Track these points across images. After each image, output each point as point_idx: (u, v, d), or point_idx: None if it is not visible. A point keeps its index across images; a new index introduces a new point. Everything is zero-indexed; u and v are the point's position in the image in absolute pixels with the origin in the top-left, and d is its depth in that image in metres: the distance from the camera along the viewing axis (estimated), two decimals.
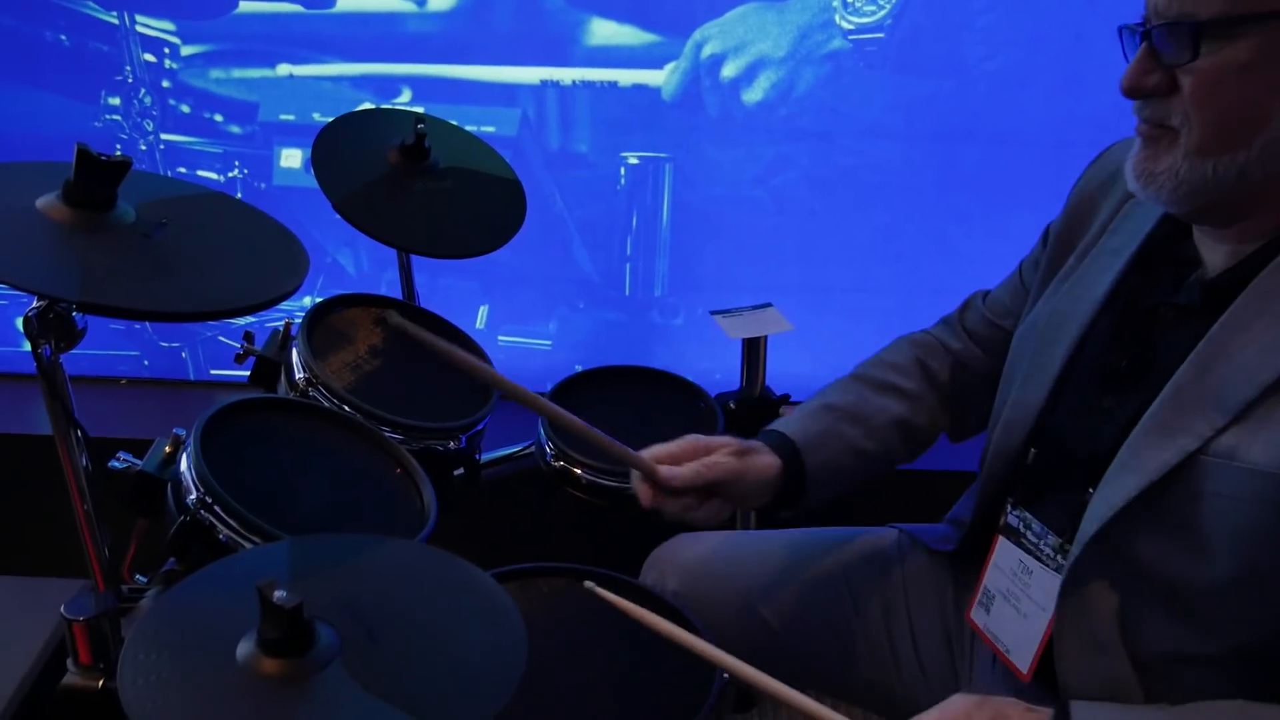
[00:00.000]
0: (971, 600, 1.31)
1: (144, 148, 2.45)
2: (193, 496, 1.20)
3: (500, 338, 2.58)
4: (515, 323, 2.58)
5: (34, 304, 1.19)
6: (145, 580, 1.35)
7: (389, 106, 2.34)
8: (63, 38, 2.36)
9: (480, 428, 1.61)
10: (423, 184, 1.70)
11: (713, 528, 1.32)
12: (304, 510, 1.28)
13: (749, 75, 2.31)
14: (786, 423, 1.38)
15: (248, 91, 2.41)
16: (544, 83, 2.36)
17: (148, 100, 2.41)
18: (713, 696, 1.16)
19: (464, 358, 1.28)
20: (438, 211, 1.69)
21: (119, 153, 1.19)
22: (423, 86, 2.38)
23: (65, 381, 1.24)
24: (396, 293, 1.86)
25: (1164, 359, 1.11)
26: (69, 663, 1.25)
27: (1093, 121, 2.18)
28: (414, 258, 1.86)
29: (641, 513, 1.62)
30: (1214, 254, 1.12)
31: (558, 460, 1.63)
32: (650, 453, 1.28)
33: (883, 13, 2.23)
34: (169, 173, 2.47)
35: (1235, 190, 1.05)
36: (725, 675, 1.19)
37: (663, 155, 2.41)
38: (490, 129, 2.38)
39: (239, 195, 2.45)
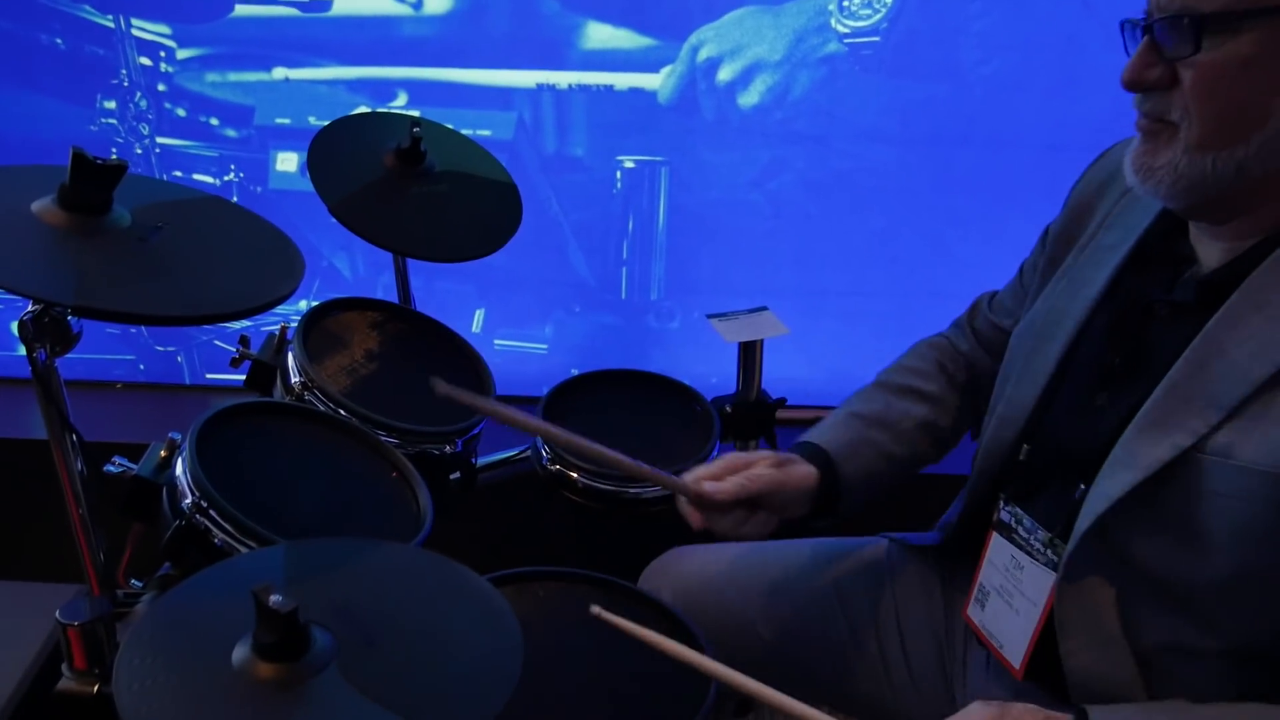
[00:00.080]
0: (968, 598, 1.32)
1: (139, 151, 2.44)
2: (188, 501, 1.20)
3: (496, 341, 2.58)
4: (511, 326, 2.58)
5: (29, 308, 1.18)
6: (140, 585, 1.35)
7: (385, 110, 2.34)
8: (58, 41, 2.36)
9: (476, 432, 1.61)
10: (418, 188, 1.70)
11: (764, 538, 1.34)
12: (299, 514, 1.28)
13: (745, 79, 2.31)
14: (816, 433, 1.40)
15: (243, 95, 2.41)
16: (540, 86, 2.36)
17: (143, 104, 2.41)
18: (709, 700, 1.16)
19: (523, 419, 1.29)
20: (434, 215, 1.70)
21: (114, 156, 1.18)
22: (418, 90, 2.38)
23: (60, 386, 1.24)
24: (392, 296, 1.86)
25: (1159, 356, 1.11)
26: (64, 668, 1.25)
27: (1088, 125, 2.18)
28: (410, 261, 1.86)
29: (638, 516, 1.63)
30: (1210, 251, 1.13)
31: (554, 464, 1.63)
32: (692, 475, 1.30)
33: (878, 17, 2.24)
34: (164, 176, 2.46)
35: (1233, 186, 1.05)
36: None
37: (659, 159, 2.41)
38: (486, 133, 2.38)
39: (235, 199, 2.45)
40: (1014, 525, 1.24)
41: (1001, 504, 1.26)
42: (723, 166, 2.39)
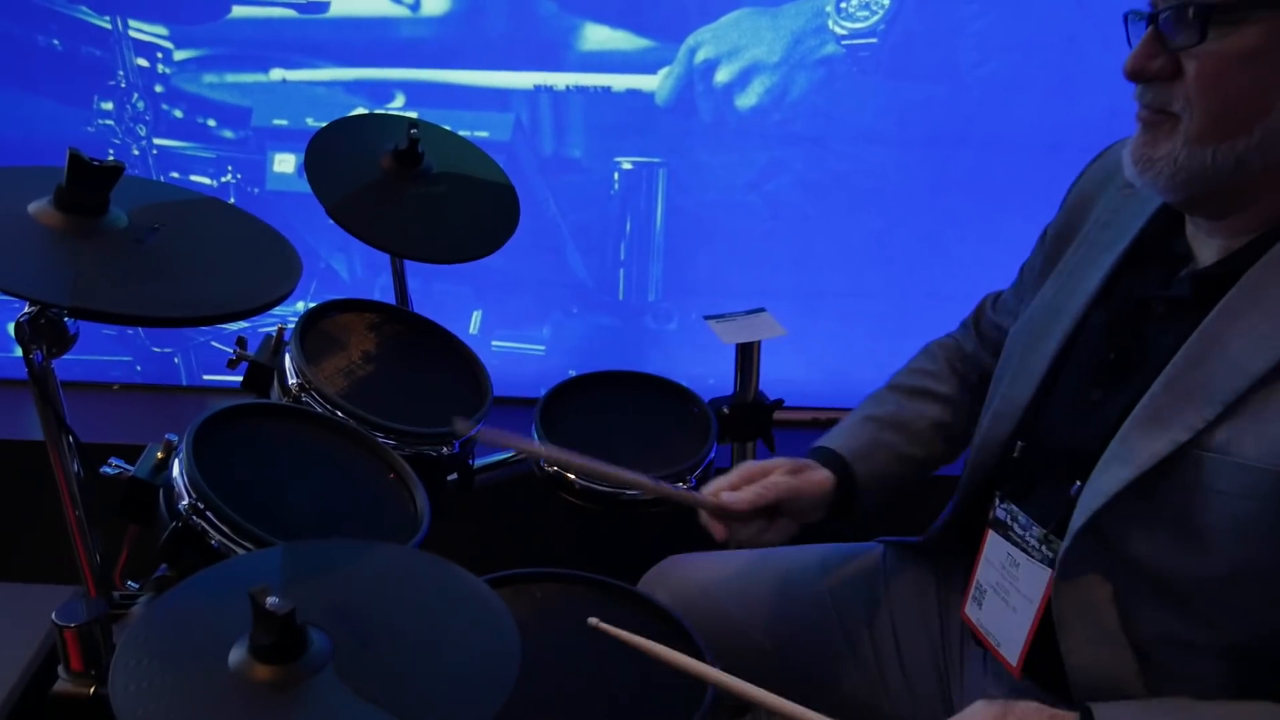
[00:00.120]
0: (965, 597, 1.32)
1: (136, 153, 2.44)
2: (185, 502, 1.20)
3: (494, 343, 2.58)
4: (509, 328, 2.58)
5: (25, 309, 1.18)
6: (137, 586, 1.35)
7: (382, 111, 2.34)
8: (55, 42, 2.36)
9: (473, 434, 1.60)
10: (416, 189, 1.70)
11: (785, 543, 1.37)
12: (296, 516, 1.28)
13: (742, 80, 2.31)
14: (831, 438, 1.43)
15: (241, 96, 2.40)
16: (537, 88, 2.36)
17: (140, 105, 2.41)
18: (706, 702, 1.16)
19: (553, 452, 1.30)
20: (431, 216, 1.69)
21: (111, 158, 1.18)
22: (416, 91, 2.37)
23: (57, 387, 1.23)
24: (390, 297, 1.85)
25: (1155, 352, 1.11)
26: (60, 669, 1.25)
27: (1085, 126, 2.18)
28: (407, 263, 1.86)
29: (635, 518, 1.63)
30: (1206, 249, 1.13)
31: (551, 466, 1.63)
32: (710, 488, 1.32)
33: (876, 18, 2.24)
34: (162, 178, 2.46)
35: (1232, 179, 1.05)
36: None
37: (656, 160, 2.41)
38: (484, 134, 2.38)
39: (232, 200, 2.45)
40: (1010, 522, 1.24)
41: (997, 501, 1.26)
42: (720, 168, 2.40)
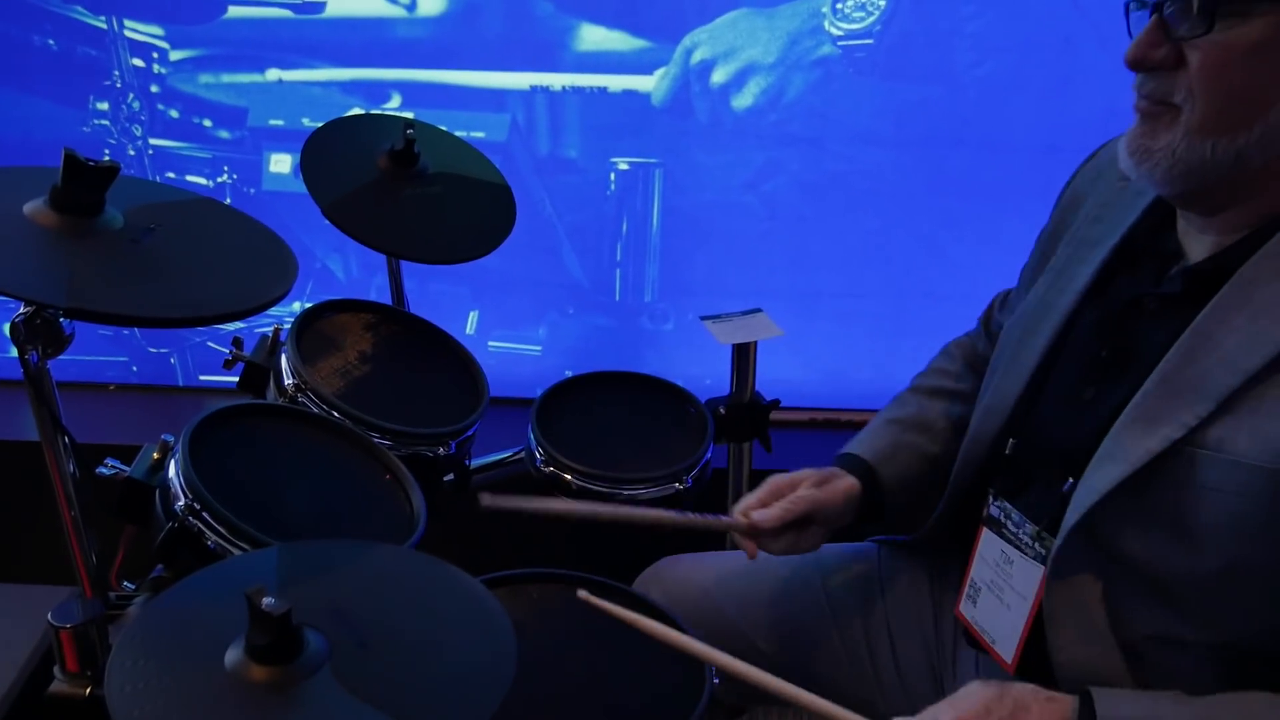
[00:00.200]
0: (959, 595, 1.32)
1: (132, 153, 2.44)
2: (181, 503, 1.20)
3: (490, 343, 2.58)
4: (505, 328, 2.58)
5: (21, 310, 1.18)
6: (133, 587, 1.35)
7: (378, 112, 2.34)
8: (51, 42, 2.36)
9: (470, 434, 1.60)
10: (412, 189, 1.70)
11: (816, 549, 1.40)
12: (293, 516, 1.27)
13: (739, 81, 2.31)
14: (856, 444, 1.46)
15: (237, 96, 2.40)
16: (534, 88, 2.36)
17: (136, 105, 2.40)
18: (702, 703, 1.16)
19: (583, 508, 1.33)
20: (427, 217, 1.69)
21: (107, 158, 1.18)
22: (412, 92, 2.37)
23: (52, 387, 1.23)
24: (386, 298, 1.85)
25: (1147, 350, 1.11)
26: (56, 670, 1.25)
27: (1081, 126, 2.18)
28: (404, 263, 1.86)
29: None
30: (1197, 246, 1.13)
31: (548, 466, 1.63)
32: (740, 506, 1.35)
33: (872, 19, 2.24)
34: (157, 178, 2.46)
35: (1230, 174, 1.04)
36: (715, 681, 1.19)
37: (653, 161, 2.41)
38: (480, 134, 2.38)
39: (228, 200, 2.45)
40: (1003, 520, 1.24)
41: (991, 499, 1.27)
42: (717, 168, 2.40)
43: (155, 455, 1.31)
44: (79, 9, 2.33)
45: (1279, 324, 1.01)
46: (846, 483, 1.38)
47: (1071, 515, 1.11)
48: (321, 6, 2.31)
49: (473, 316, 2.57)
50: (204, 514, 1.19)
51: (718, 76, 2.31)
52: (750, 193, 2.41)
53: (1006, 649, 1.23)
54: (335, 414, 1.46)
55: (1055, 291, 1.25)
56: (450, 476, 1.60)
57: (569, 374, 1.80)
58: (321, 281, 2.54)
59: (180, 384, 2.67)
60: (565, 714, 1.18)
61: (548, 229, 2.47)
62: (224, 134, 2.43)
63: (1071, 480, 1.13)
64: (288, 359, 1.51)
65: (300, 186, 1.63)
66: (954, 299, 2.45)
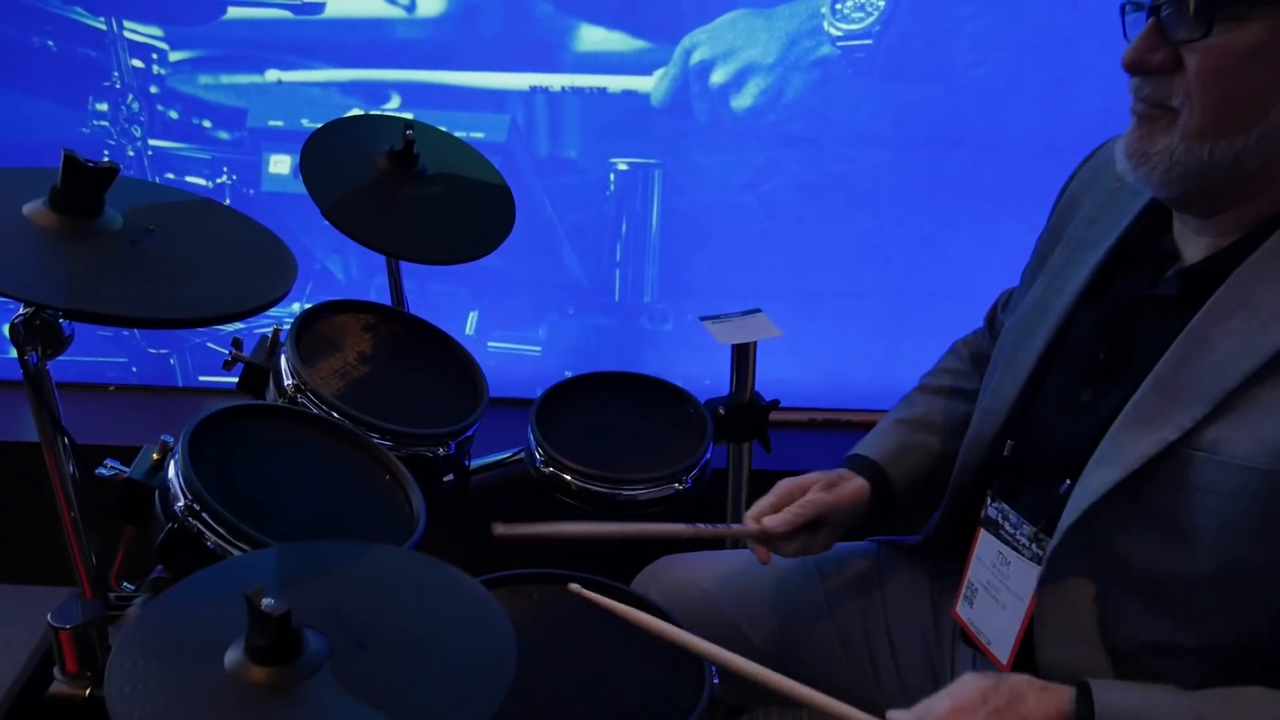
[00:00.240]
0: (956, 596, 1.32)
1: (132, 154, 2.44)
2: (180, 504, 1.20)
3: (490, 343, 2.58)
4: (505, 328, 2.58)
5: (20, 310, 1.18)
6: (133, 588, 1.35)
7: (378, 112, 2.34)
8: (50, 43, 2.36)
9: (470, 434, 1.60)
10: (411, 190, 1.70)
11: (829, 548, 1.42)
12: (292, 517, 1.27)
13: (738, 81, 2.31)
14: (865, 445, 1.47)
15: (236, 97, 2.40)
16: (533, 89, 2.36)
17: (135, 106, 2.40)
18: (702, 704, 1.16)
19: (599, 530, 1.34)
20: (427, 217, 1.69)
21: (106, 159, 1.18)
22: (411, 92, 2.37)
23: (52, 388, 1.23)
24: (386, 298, 1.85)
25: (1144, 351, 1.11)
26: (56, 671, 1.25)
27: (1081, 127, 2.18)
28: (403, 264, 1.86)
29: (631, 519, 1.63)
30: (1193, 247, 1.13)
31: (547, 466, 1.63)
32: (752, 511, 1.38)
33: (871, 19, 2.24)
34: (157, 179, 2.46)
35: (1227, 177, 1.04)
36: (715, 681, 1.20)
37: (652, 161, 2.41)
38: (479, 135, 2.38)
39: (227, 201, 2.45)
40: (1001, 521, 1.24)
41: (989, 500, 1.27)
42: (716, 169, 2.40)
43: (155, 456, 1.31)
44: (78, 10, 2.33)
45: (1274, 326, 1.01)
46: (856, 484, 1.39)
47: (1068, 516, 1.11)
48: (321, 7, 2.31)
49: (472, 317, 2.57)
50: (203, 515, 1.19)
51: (717, 77, 2.31)
52: (749, 193, 2.41)
53: (1002, 650, 1.23)
54: (335, 415, 1.46)
55: (1052, 293, 1.26)
56: (450, 477, 1.60)
57: (569, 374, 1.80)
58: (321, 282, 2.54)
59: (180, 385, 2.67)
60: (565, 714, 1.18)
61: (547, 229, 2.47)
62: (223, 135, 2.44)
63: (1069, 482, 1.13)
64: (287, 360, 1.51)
65: (300, 187, 1.63)
66: (953, 299, 2.45)
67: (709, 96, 2.33)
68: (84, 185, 1.18)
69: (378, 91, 2.38)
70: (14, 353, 1.20)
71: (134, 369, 2.65)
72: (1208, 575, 1.06)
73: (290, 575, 1.04)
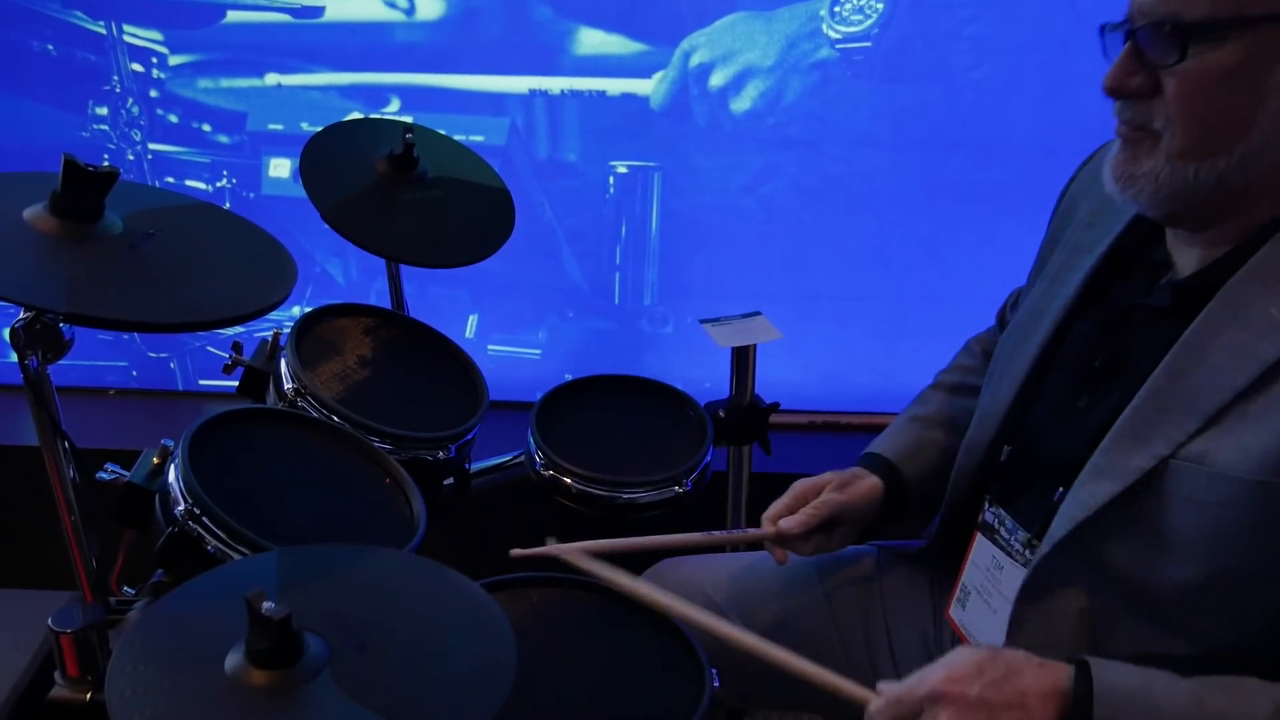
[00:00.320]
0: (949, 598, 1.32)
1: (132, 158, 2.44)
2: (181, 508, 1.20)
3: (490, 347, 2.58)
4: (505, 332, 2.58)
5: (21, 315, 1.18)
6: (133, 592, 1.35)
7: (377, 116, 2.34)
8: (50, 47, 2.36)
9: (470, 437, 1.60)
10: (411, 193, 1.70)
11: (841, 548, 1.44)
12: (292, 521, 1.27)
13: (737, 84, 2.31)
14: (878, 443, 1.48)
15: (236, 101, 2.41)
16: (532, 92, 2.36)
17: (135, 110, 2.41)
18: (702, 707, 1.16)
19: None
20: (427, 221, 1.69)
21: (106, 163, 1.19)
22: (411, 96, 2.38)
23: (52, 392, 1.23)
24: (386, 302, 1.86)
25: (1138, 360, 1.11)
26: (56, 675, 1.25)
27: (1080, 129, 2.18)
28: (403, 267, 1.86)
29: (632, 521, 1.63)
30: (1186, 257, 1.13)
31: (547, 469, 1.63)
32: (769, 514, 1.40)
33: (870, 22, 2.24)
34: (157, 183, 2.46)
35: (1214, 195, 1.05)
36: (715, 684, 1.20)
37: (651, 164, 2.41)
38: (479, 138, 2.38)
39: (227, 205, 2.45)
40: (997, 526, 1.25)
41: (986, 505, 1.27)
42: (715, 172, 2.40)
43: (155, 460, 1.31)
44: (78, 14, 2.33)
45: (1265, 340, 1.02)
46: (869, 483, 1.41)
47: (1059, 527, 1.12)
48: (320, 11, 2.31)
49: (472, 320, 2.57)
50: (204, 519, 1.19)
51: (716, 80, 2.31)
52: (749, 196, 2.41)
53: None
54: (335, 418, 1.46)
55: (1047, 299, 1.26)
56: (450, 480, 1.60)
57: (568, 377, 1.80)
58: (321, 286, 2.54)
59: (180, 389, 2.67)
60: (565, 718, 1.18)
61: (547, 232, 2.48)
62: (223, 139, 2.44)
63: (1063, 489, 1.13)
64: (287, 363, 1.51)
65: (299, 191, 1.63)
66: (952, 301, 2.45)
67: (708, 99, 2.33)
68: (84, 190, 1.18)
69: (377, 95, 2.38)
70: (14, 357, 1.20)
71: (134, 373, 2.65)
72: (1198, 585, 1.06)
73: (290, 579, 1.04)
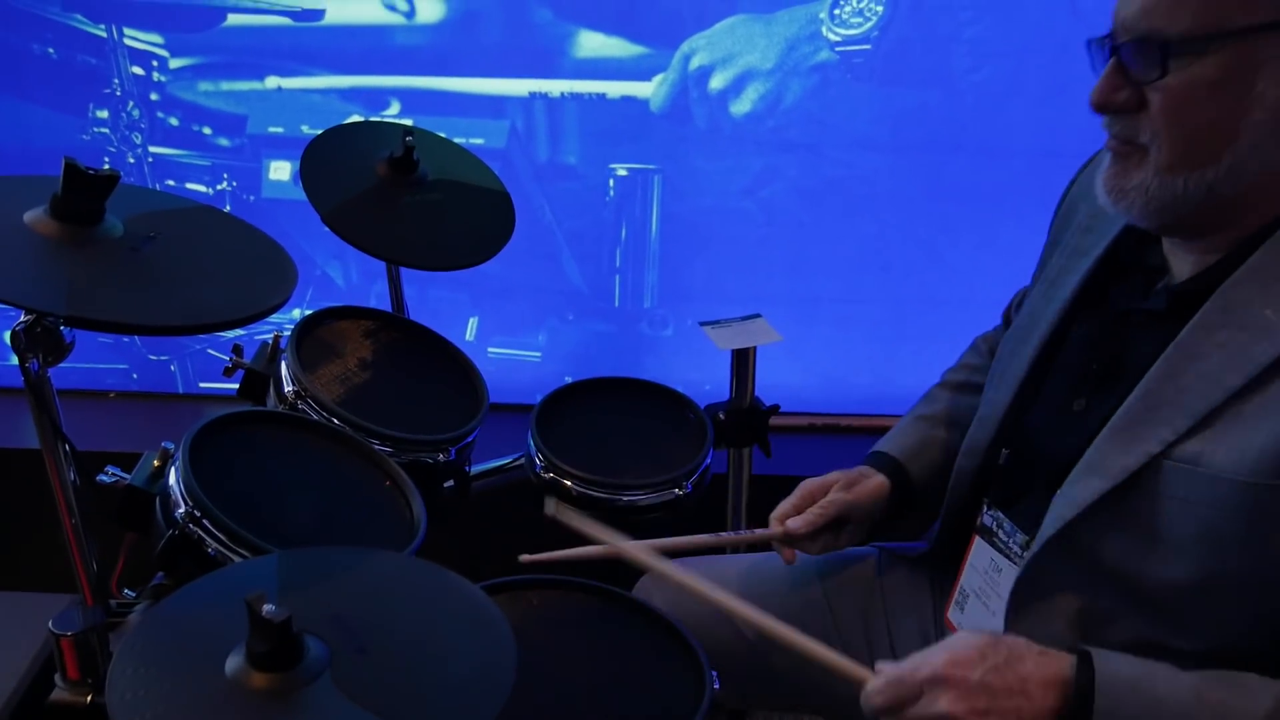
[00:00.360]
0: (948, 600, 1.33)
1: (132, 161, 2.44)
2: (181, 510, 1.20)
3: (490, 349, 2.58)
4: (505, 334, 2.59)
5: (21, 318, 1.18)
6: (133, 595, 1.35)
7: (377, 119, 2.34)
8: (50, 51, 2.36)
9: (470, 440, 1.61)
10: (411, 196, 1.70)
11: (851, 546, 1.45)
12: (293, 523, 1.28)
13: (737, 87, 2.32)
14: (886, 441, 1.49)
15: (236, 104, 2.41)
16: (532, 95, 2.36)
17: (136, 113, 2.41)
18: (702, 709, 1.16)
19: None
20: (427, 224, 1.70)
21: (107, 166, 1.18)
22: (411, 99, 2.38)
23: (53, 395, 1.23)
24: (386, 305, 1.86)
25: (1135, 363, 1.12)
26: (57, 678, 1.25)
27: (1079, 131, 2.17)
28: (403, 270, 1.86)
29: (632, 524, 1.63)
30: (1181, 262, 1.14)
31: (547, 472, 1.63)
32: (776, 513, 1.41)
33: (869, 25, 2.25)
34: (157, 186, 2.46)
35: (1204, 206, 1.05)
36: (715, 687, 1.20)
37: (651, 167, 2.41)
38: (479, 141, 2.38)
39: (227, 208, 2.45)
40: (995, 529, 1.25)
41: (985, 508, 1.27)
42: (715, 174, 2.40)
43: (155, 463, 1.31)
44: (79, 17, 2.34)
45: (1259, 342, 1.02)
46: (876, 481, 1.41)
47: (1050, 525, 1.12)
48: (320, 14, 2.31)
49: (472, 323, 2.57)
50: (204, 521, 1.19)
51: (716, 82, 2.32)
52: (749, 198, 2.42)
53: None
54: (335, 421, 1.46)
55: (1045, 301, 1.26)
56: (450, 483, 1.60)
57: (569, 380, 1.80)
58: (321, 288, 2.54)
59: (180, 391, 2.67)
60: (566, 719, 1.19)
61: (547, 235, 2.48)
62: (223, 141, 2.44)
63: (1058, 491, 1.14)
64: (288, 366, 1.51)
65: (300, 194, 1.63)
66: (952, 304, 2.45)
67: (708, 102, 2.33)
68: (85, 193, 1.18)
69: (377, 98, 2.38)
70: (15, 360, 1.20)
71: (135, 375, 2.65)
72: (1192, 586, 1.06)
73: (291, 581, 1.04)
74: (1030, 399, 1.25)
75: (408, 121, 1.95)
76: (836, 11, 2.24)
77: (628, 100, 2.35)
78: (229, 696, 0.89)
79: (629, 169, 2.41)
